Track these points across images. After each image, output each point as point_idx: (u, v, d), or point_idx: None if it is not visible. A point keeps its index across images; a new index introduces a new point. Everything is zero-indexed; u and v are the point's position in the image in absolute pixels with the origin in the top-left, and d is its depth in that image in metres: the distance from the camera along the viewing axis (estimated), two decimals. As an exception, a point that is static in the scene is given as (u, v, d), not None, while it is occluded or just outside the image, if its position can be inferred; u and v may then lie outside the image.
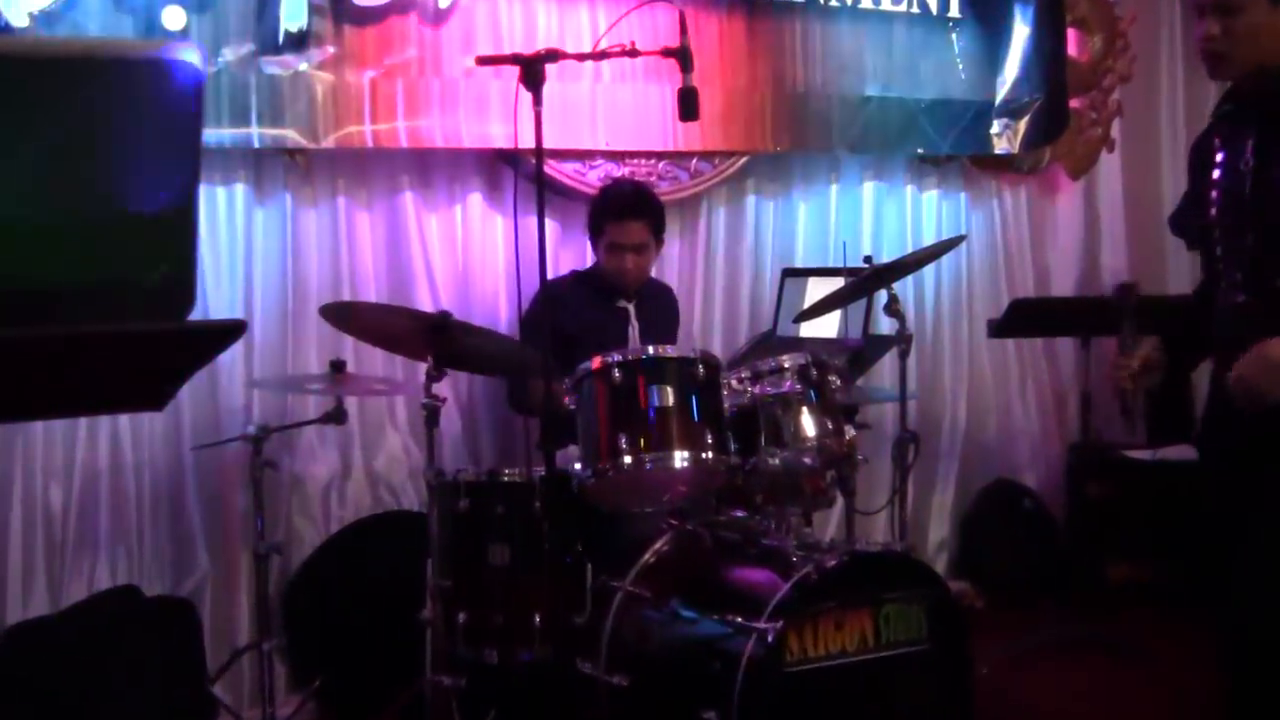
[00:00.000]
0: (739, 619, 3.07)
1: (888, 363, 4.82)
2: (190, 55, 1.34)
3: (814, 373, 3.39)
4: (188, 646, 4.04)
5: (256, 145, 4.19)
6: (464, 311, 4.42)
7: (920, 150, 5.36)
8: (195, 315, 1.42)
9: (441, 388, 3.49)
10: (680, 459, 3.18)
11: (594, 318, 4.27)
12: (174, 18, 3.96)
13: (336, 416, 3.80)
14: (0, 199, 1.26)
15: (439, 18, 4.38)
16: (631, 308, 4.30)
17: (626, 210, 4.21)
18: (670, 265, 5.03)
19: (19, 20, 3.73)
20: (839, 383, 3.46)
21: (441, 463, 3.59)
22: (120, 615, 3.98)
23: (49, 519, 4.08)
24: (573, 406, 3.32)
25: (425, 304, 4.53)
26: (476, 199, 4.69)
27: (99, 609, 3.99)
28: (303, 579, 4.34)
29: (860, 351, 4.37)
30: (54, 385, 1.44)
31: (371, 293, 4.54)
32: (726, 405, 3.33)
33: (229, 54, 4.06)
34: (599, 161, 4.76)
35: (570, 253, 4.79)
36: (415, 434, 4.56)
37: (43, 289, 1.30)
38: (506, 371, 4.14)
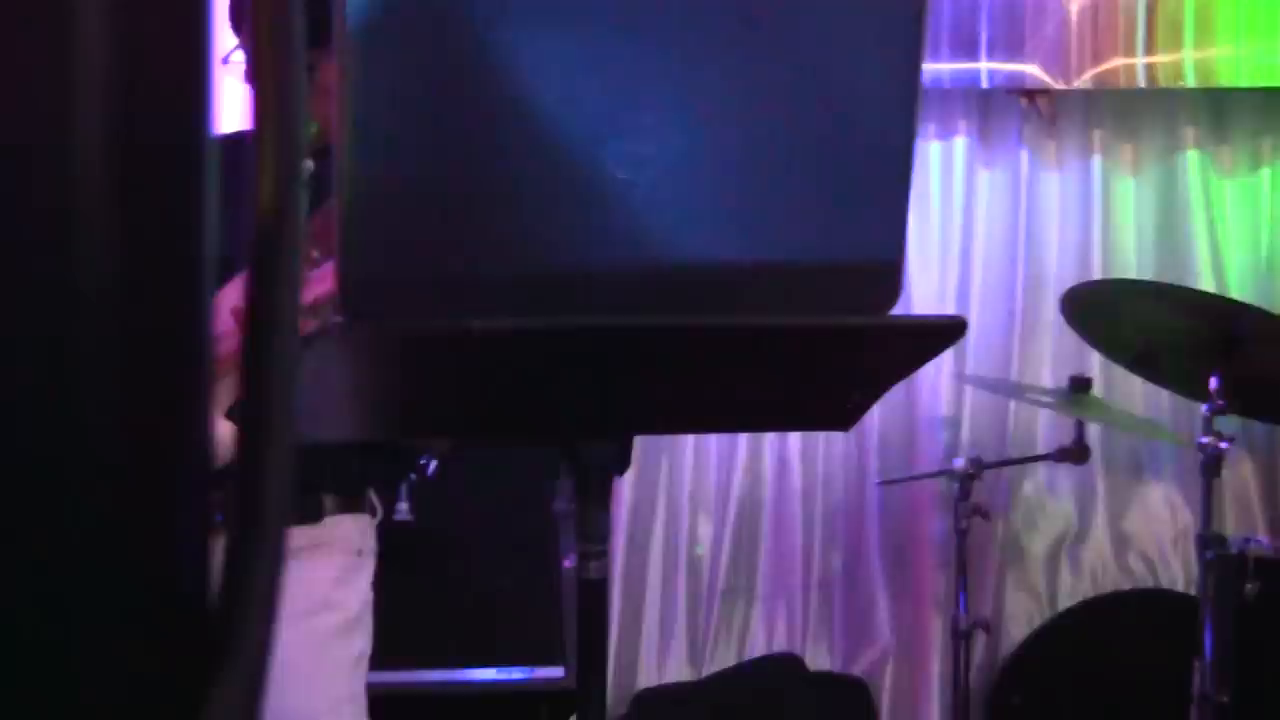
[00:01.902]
0: None
1: None
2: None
3: None
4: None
5: (985, 85, 4.26)
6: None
7: None
8: (897, 307, 1.43)
9: (1227, 425, 3.38)
10: None
11: None
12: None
13: (1076, 454, 3.76)
14: (679, 154, 1.32)
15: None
16: None
17: None
18: None
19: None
20: None
21: (1222, 528, 3.49)
22: (773, 690, 4.18)
23: (694, 562, 4.39)
24: None
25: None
26: None
27: (748, 679, 4.21)
28: (1015, 669, 4.33)
29: None
30: (727, 392, 1.51)
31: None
32: None
33: (947, -34, 4.19)
34: None
35: None
36: (1185, 486, 4.44)
37: (719, 267, 1.35)
38: None
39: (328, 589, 2.49)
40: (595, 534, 1.49)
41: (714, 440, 4.36)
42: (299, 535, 2.39)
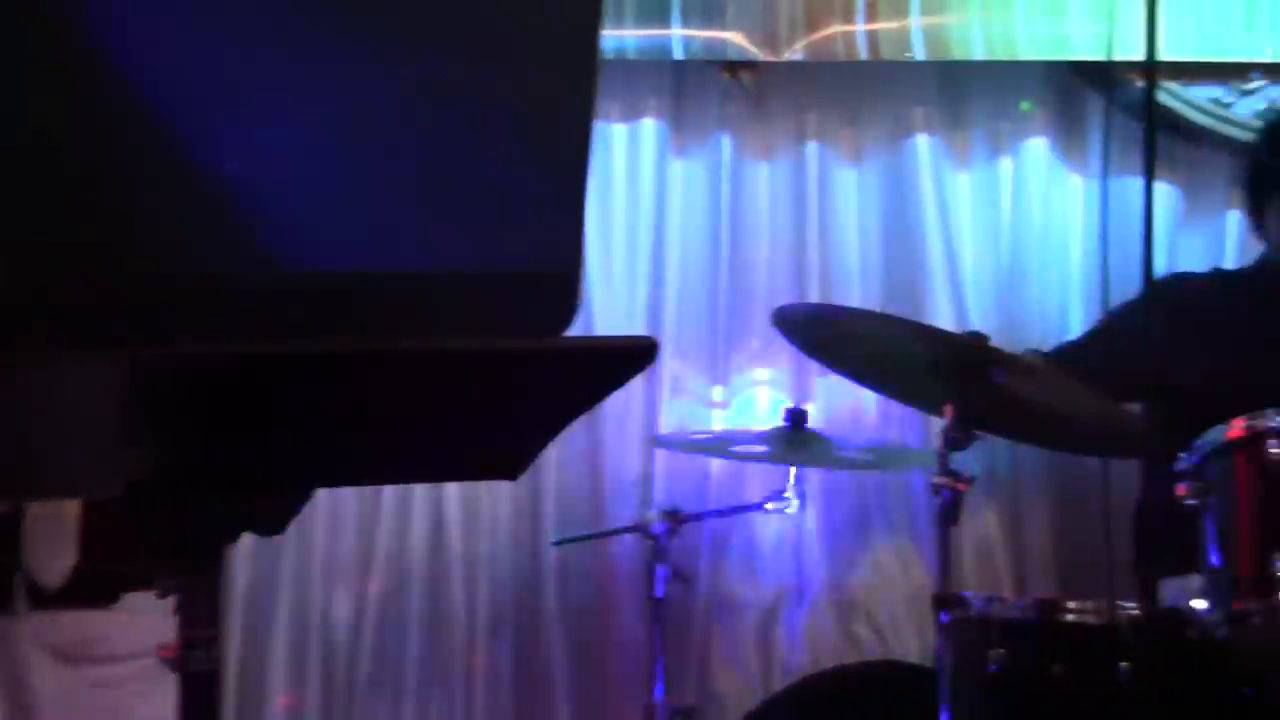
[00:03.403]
0: None
1: None
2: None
3: None
4: None
5: (679, 56, 4.34)
6: (1007, 331, 4.43)
7: None
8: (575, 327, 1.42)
9: (966, 460, 3.44)
10: None
11: (1253, 343, 4.08)
12: None
13: (788, 499, 3.82)
14: (298, 133, 1.30)
15: None
16: None
17: None
18: None
19: None
20: None
21: (962, 586, 3.59)
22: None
23: (329, 644, 4.35)
24: (1193, 504, 3.29)
25: (943, 316, 4.56)
26: (1036, 146, 4.69)
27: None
28: (724, 767, 4.39)
29: None
30: (361, 435, 1.49)
31: (854, 295, 4.59)
32: None
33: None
34: (1257, 81, 4.67)
35: (1200, 239, 4.70)
36: (919, 536, 4.57)
37: (351, 280, 1.33)
38: (1075, 444, 4.04)
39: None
40: (202, 616, 1.46)
41: (351, 495, 4.31)
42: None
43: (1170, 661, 3.29)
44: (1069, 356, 4.03)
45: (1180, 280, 4.19)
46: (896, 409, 4.48)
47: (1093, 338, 4.08)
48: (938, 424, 3.37)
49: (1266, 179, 4.14)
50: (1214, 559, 3.28)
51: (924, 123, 4.65)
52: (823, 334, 3.86)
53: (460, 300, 1.32)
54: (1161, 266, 4.49)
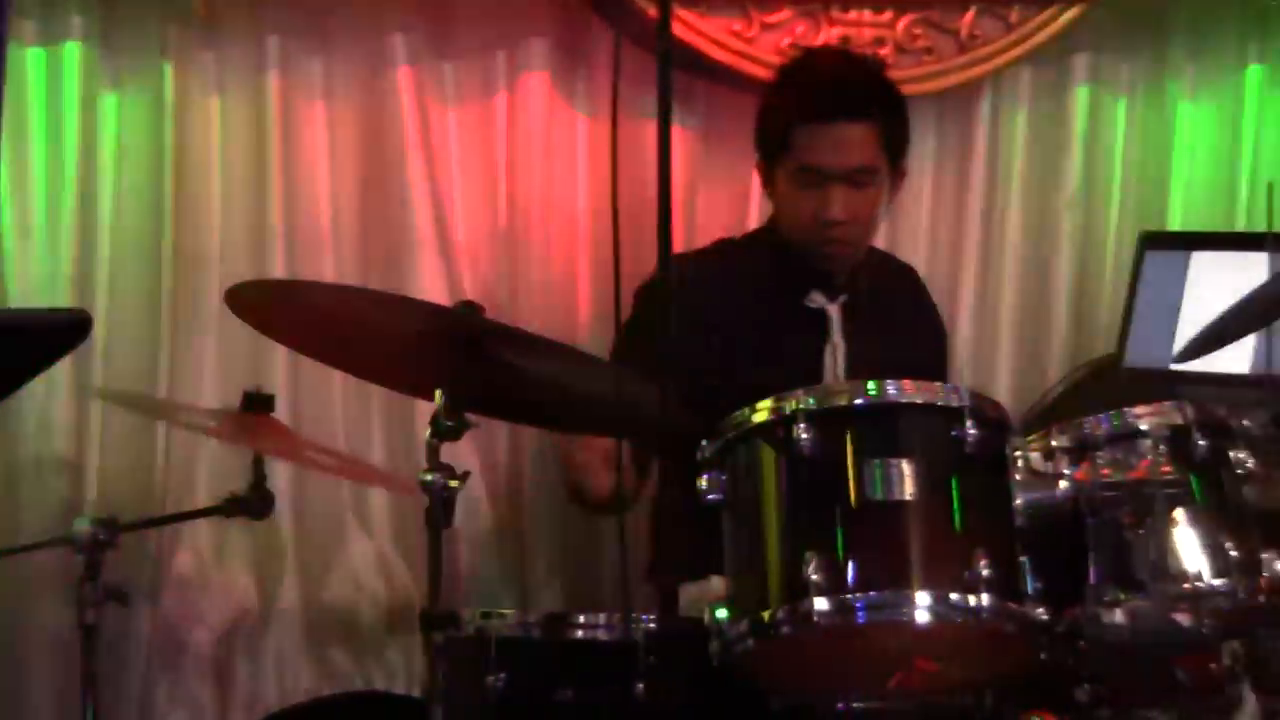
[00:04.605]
0: None
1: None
2: None
3: (1201, 444, 3.38)
4: None
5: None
6: (507, 303, 4.54)
7: None
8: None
9: (462, 452, 3.53)
10: (926, 607, 3.16)
11: (762, 326, 4.29)
12: None
13: (252, 504, 3.85)
14: None
15: None
16: (834, 309, 4.32)
17: (836, 104, 4.20)
18: (915, 230, 5.14)
19: None
20: (1256, 465, 3.42)
21: (455, 600, 3.64)
22: None
23: None
24: (716, 498, 3.38)
25: (432, 287, 4.63)
26: (537, 82, 4.76)
27: None
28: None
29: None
30: None
31: (327, 263, 4.63)
32: (1021, 503, 3.34)
33: None
34: (780, 14, 4.80)
35: (724, 190, 4.85)
36: (403, 541, 4.63)
37: None
38: (589, 426, 4.09)
39: None
40: None
41: None
42: None
43: (691, 679, 3.38)
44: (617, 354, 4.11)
45: (682, 260, 4.28)
46: (381, 395, 4.56)
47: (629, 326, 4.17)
48: (427, 411, 3.37)
49: (776, 131, 4.28)
50: (738, 560, 3.37)
51: (406, 51, 4.70)
52: (286, 314, 3.82)
53: None
54: (681, 220, 4.63)
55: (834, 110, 4.19)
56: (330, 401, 4.61)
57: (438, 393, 3.42)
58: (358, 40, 4.70)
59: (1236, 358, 4.42)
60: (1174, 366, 4.41)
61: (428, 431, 3.36)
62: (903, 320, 4.55)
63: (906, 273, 4.73)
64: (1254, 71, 5.39)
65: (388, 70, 4.69)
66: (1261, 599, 3.36)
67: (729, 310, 4.29)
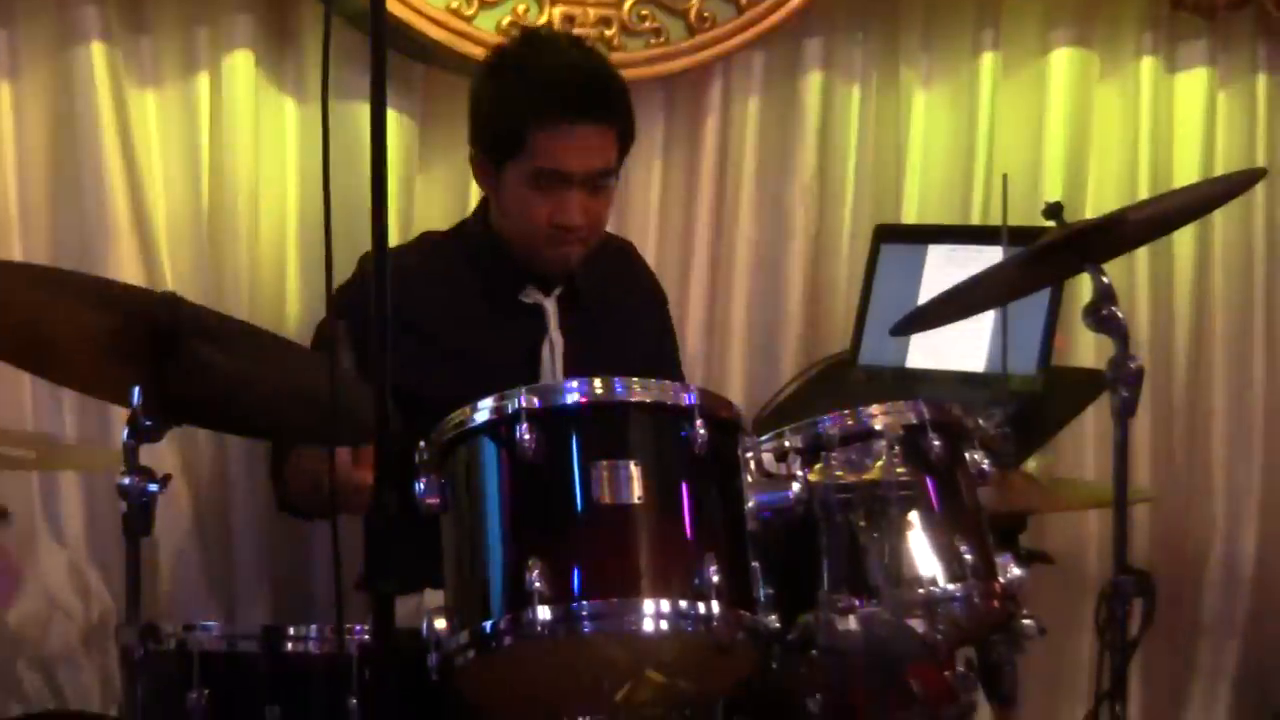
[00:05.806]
0: None
1: (1091, 426, 4.94)
2: None
3: (936, 444, 3.46)
4: None
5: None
6: (211, 295, 4.49)
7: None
8: None
9: (160, 455, 3.45)
10: (655, 616, 3.18)
11: (471, 323, 4.30)
12: None
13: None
14: None
15: None
16: (550, 303, 4.31)
17: (580, 107, 4.20)
18: (644, 220, 5.18)
19: None
20: (989, 466, 3.53)
21: (155, 612, 3.59)
22: None
23: None
24: (434, 503, 3.34)
25: (130, 279, 4.48)
26: (241, 60, 4.69)
27: None
28: None
29: (1034, 402, 4.43)
30: None
31: (14, 253, 4.52)
32: (753, 506, 3.36)
33: None
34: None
35: (441, 180, 4.89)
36: (98, 552, 4.55)
37: None
38: (299, 430, 4.05)
39: None
40: None
41: None
42: None
43: (408, 694, 3.32)
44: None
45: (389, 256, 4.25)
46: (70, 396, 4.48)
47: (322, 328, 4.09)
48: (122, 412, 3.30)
49: (509, 130, 4.23)
50: (458, 568, 3.39)
51: (98, 25, 4.59)
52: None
53: None
54: (396, 212, 4.59)
55: (578, 114, 4.19)
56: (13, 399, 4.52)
57: (135, 389, 3.35)
58: (45, 12, 4.59)
59: (971, 356, 4.52)
60: (909, 365, 4.51)
61: (124, 433, 3.32)
62: (621, 304, 4.58)
63: (622, 249, 4.75)
64: (988, 59, 5.49)
65: (79, 47, 4.58)
66: (996, 604, 3.47)
67: (433, 307, 4.29)
